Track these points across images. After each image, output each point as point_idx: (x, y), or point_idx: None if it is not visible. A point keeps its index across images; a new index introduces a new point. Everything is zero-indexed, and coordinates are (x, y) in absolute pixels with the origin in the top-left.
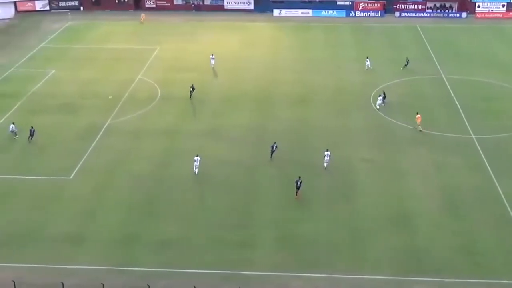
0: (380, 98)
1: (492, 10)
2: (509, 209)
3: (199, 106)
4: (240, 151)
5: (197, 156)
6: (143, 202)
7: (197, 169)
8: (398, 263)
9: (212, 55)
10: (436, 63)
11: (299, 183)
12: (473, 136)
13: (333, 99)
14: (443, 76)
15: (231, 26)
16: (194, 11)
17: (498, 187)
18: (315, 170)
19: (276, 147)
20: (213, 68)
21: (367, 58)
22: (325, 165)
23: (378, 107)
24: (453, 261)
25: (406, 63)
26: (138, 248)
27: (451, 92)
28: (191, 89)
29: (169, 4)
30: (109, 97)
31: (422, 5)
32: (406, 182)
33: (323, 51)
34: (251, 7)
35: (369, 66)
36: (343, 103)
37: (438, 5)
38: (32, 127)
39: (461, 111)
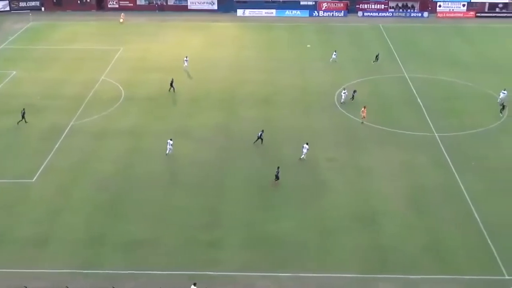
0: (345, 92)
1: (453, 10)
2: (472, 206)
3: (165, 106)
4: (207, 151)
5: (171, 139)
6: (109, 202)
7: (169, 151)
8: (365, 261)
9: (186, 57)
10: (399, 62)
11: (278, 173)
12: (436, 134)
13: (298, 99)
14: (406, 75)
15: (195, 26)
16: (157, 11)
17: (461, 184)
18: (282, 169)
19: (262, 133)
20: (187, 70)
21: (335, 51)
22: (303, 156)
23: (343, 101)
24: (419, 259)
25: (376, 58)
26: (104, 249)
27: (414, 91)
28: (171, 84)
29: (132, 4)
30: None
31: (384, 5)
32: (372, 181)
33: (287, 51)
34: (215, 7)
35: (335, 59)
36: (308, 103)
37: (400, 4)
38: None
39: (423, 109)
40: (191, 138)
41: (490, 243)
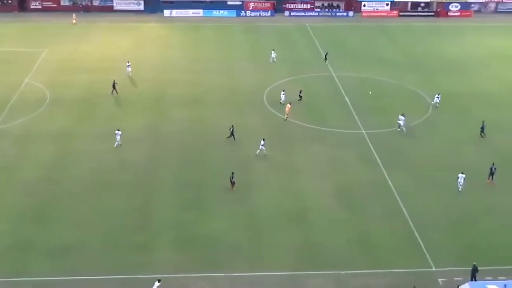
0: (283, 93)
1: (377, 9)
2: (399, 200)
3: (93, 108)
4: (137, 153)
5: (118, 130)
6: (36, 208)
7: (118, 142)
8: (297, 258)
9: (128, 62)
10: (326, 61)
11: (232, 177)
12: (363, 132)
13: (227, 99)
14: (333, 74)
15: (121, 27)
16: (82, 12)
17: (388, 180)
18: (211, 169)
19: (233, 127)
20: (129, 76)
21: (273, 50)
22: (259, 152)
23: (282, 102)
24: (349, 254)
25: (325, 57)
26: (31, 256)
27: (341, 90)
28: (113, 85)
29: (55, 5)
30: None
31: (310, 5)
32: (302, 179)
33: (214, 51)
34: (141, 7)
35: (274, 59)
36: (237, 102)
37: (326, 4)
38: None
39: (351, 107)
40: (122, 140)
41: (418, 237)
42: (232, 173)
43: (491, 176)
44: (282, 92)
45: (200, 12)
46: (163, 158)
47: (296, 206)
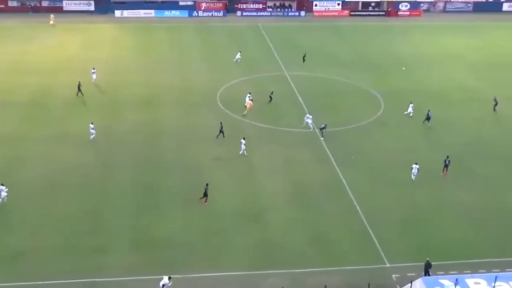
0: (249, 96)
1: (328, 9)
2: (353, 198)
3: (43, 110)
4: (90, 155)
5: (92, 123)
6: None
7: (93, 136)
8: (253, 258)
9: (93, 68)
10: (279, 61)
11: (206, 190)
12: (317, 131)
13: (180, 99)
14: (286, 73)
15: (72, 28)
16: (31, 12)
17: (342, 178)
18: (166, 171)
19: (221, 125)
20: (94, 83)
21: (240, 51)
22: (244, 152)
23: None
24: (305, 252)
25: (304, 59)
26: None
27: (295, 89)
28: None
29: (3, 6)
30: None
31: (262, 4)
32: (257, 179)
33: (167, 51)
34: (92, 8)
35: (238, 60)
36: (191, 103)
37: (278, 4)
38: None
39: (304, 107)
40: (72, 142)
41: (372, 233)
42: (207, 185)
43: (445, 168)
44: (248, 95)
45: (151, 13)
46: (117, 160)
47: (252, 205)
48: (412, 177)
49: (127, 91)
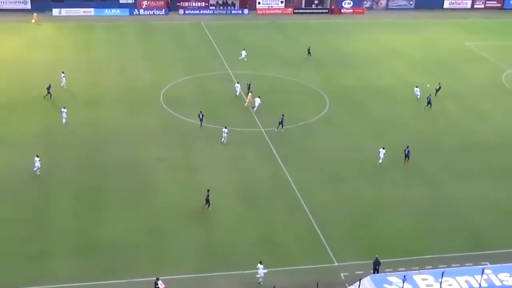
0: (237, 86)
1: (272, 7)
2: (299, 196)
3: None
4: (28, 159)
5: (64, 108)
6: None
7: (65, 120)
8: (200, 260)
9: (63, 72)
10: (223, 59)
11: (208, 196)
12: (262, 129)
13: (123, 99)
14: (230, 72)
15: (7, 28)
16: None
17: (288, 176)
18: (108, 172)
19: (202, 115)
20: (63, 87)
21: (244, 49)
22: (223, 140)
23: (237, 94)
24: (253, 253)
25: (308, 52)
26: None
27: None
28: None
29: None
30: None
31: (205, 2)
32: (202, 179)
33: (108, 51)
34: (28, 6)
35: (244, 58)
36: (133, 103)
37: (220, 2)
38: None
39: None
40: (9, 146)
41: (319, 232)
42: (208, 190)
43: (406, 158)
44: (236, 84)
45: (91, 11)
46: (57, 162)
47: (198, 206)
48: (380, 161)
49: (69, 91)
